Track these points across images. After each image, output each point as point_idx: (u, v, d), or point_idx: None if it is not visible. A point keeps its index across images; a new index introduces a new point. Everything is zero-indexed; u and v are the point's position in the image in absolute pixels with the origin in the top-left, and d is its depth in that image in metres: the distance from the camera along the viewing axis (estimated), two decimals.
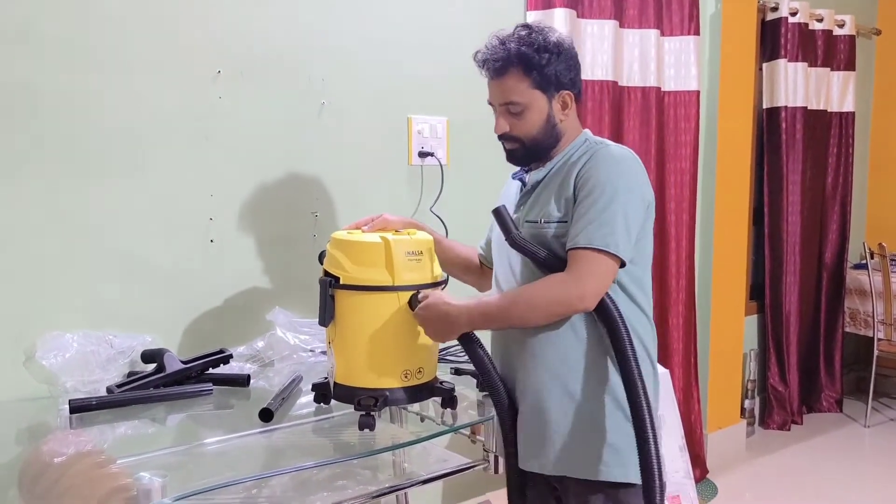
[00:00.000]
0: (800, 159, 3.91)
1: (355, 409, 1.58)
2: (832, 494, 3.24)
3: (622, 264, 1.48)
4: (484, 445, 1.90)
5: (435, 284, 1.60)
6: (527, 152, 1.60)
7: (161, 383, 1.81)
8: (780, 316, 3.93)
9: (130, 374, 1.88)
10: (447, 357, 2.13)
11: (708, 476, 3.31)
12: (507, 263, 1.63)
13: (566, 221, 1.51)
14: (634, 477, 1.49)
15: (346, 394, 1.62)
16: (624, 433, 1.50)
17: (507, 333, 1.62)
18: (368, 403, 1.55)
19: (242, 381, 1.88)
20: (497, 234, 1.60)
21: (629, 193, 1.49)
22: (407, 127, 2.40)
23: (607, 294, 1.48)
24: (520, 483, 1.70)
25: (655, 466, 1.43)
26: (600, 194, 1.47)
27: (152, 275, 1.97)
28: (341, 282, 1.57)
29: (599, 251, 1.45)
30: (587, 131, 1.64)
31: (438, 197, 2.43)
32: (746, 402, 3.78)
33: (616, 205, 1.47)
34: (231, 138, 2.07)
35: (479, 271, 1.91)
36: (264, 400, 1.77)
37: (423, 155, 2.42)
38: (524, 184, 1.65)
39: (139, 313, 1.95)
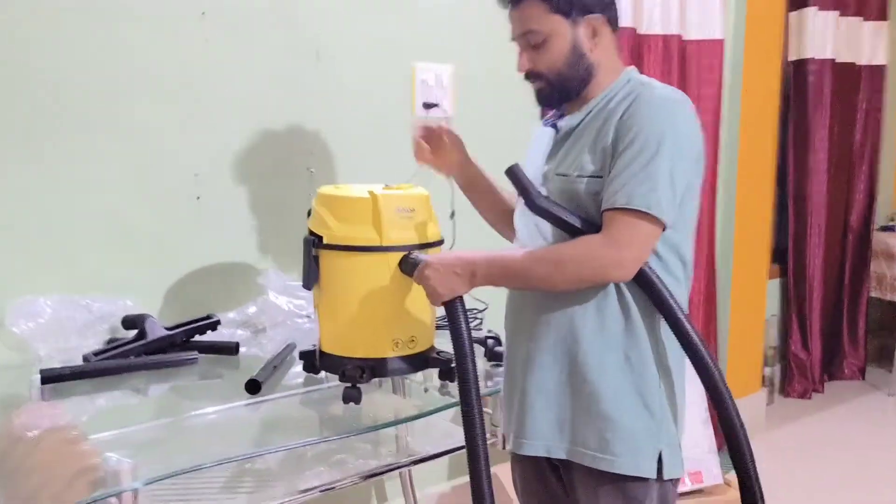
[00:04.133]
0: (827, 115, 3.71)
1: (340, 380, 1.44)
2: (854, 464, 3.11)
3: (664, 227, 1.31)
4: (492, 419, 1.76)
5: (429, 245, 1.45)
6: (554, 91, 1.41)
7: (142, 351, 1.68)
8: (803, 280, 3.76)
9: (111, 340, 1.75)
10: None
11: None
12: (535, 226, 1.44)
13: (601, 177, 1.33)
14: (648, 470, 1.34)
15: (332, 363, 1.48)
16: (641, 420, 1.35)
17: (522, 296, 1.45)
18: (354, 374, 1.42)
19: (231, 349, 1.74)
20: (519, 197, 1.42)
21: (677, 145, 1.30)
22: (410, 76, 2.23)
23: (646, 262, 1.32)
24: (521, 470, 1.55)
25: (750, 464, 1.31)
26: (643, 146, 1.29)
27: (134, 235, 1.83)
28: (325, 241, 1.43)
29: (640, 213, 1.27)
30: (632, 69, 1.44)
31: None
32: (766, 370, 3.63)
33: (661, 158, 1.28)
34: (218, 87, 1.91)
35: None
36: (254, 369, 1.64)
37: (427, 106, 2.25)
38: (557, 130, 1.46)
39: (119, 276, 1.81)
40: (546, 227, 1.40)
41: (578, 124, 1.41)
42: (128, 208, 1.81)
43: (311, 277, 1.47)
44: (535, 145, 1.54)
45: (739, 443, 1.36)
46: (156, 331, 1.71)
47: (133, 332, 1.74)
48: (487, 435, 1.76)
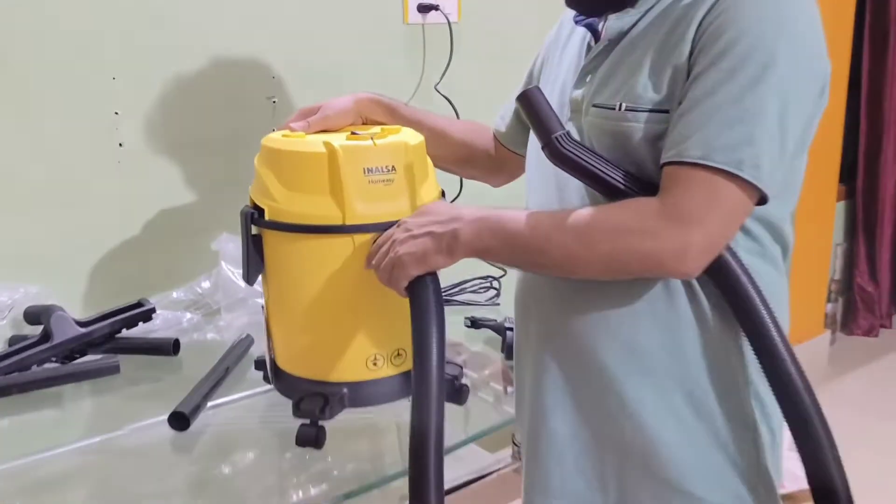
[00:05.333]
0: None
1: (294, 413, 1.02)
2: None
3: (761, 199, 0.83)
4: (514, 437, 1.35)
5: None
6: None
7: (48, 357, 1.27)
8: (874, 202, 3.25)
9: (13, 339, 1.34)
10: (455, 299, 1.55)
11: None
12: (554, 187, 0.97)
13: (668, 111, 0.85)
14: None
15: (288, 386, 1.06)
16: (728, 488, 0.91)
17: (535, 284, 1.00)
18: (311, 408, 1.00)
19: (167, 348, 1.32)
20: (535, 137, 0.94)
21: (796, 65, 0.81)
22: None
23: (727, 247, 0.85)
24: None
25: None
26: (740, 62, 0.80)
27: (36, 196, 1.38)
28: (267, 216, 0.98)
29: (726, 174, 0.80)
30: None
31: (447, 69, 1.76)
32: (828, 307, 3.17)
33: (768, 87, 0.79)
34: None
35: (490, 158, 1.25)
36: (200, 371, 1.24)
37: (424, 9, 1.74)
38: (596, 36, 0.97)
39: (20, 253, 1.37)
40: (572, 187, 0.94)
41: (632, 27, 0.91)
42: (25, 161, 1.36)
43: (251, 267, 1.03)
44: (556, 53, 1.05)
45: None
46: (65, 328, 1.29)
47: (41, 328, 1.33)
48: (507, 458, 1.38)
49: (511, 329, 1.27)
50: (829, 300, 3.18)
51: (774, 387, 0.85)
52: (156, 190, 1.49)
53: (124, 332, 1.35)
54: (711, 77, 0.81)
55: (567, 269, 0.87)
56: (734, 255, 0.85)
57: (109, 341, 1.33)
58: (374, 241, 0.94)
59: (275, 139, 1.03)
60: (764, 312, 0.85)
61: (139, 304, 1.38)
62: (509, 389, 1.29)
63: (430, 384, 0.85)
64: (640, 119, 0.87)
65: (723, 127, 0.80)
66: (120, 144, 1.43)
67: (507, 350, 1.28)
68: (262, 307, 1.08)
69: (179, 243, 1.53)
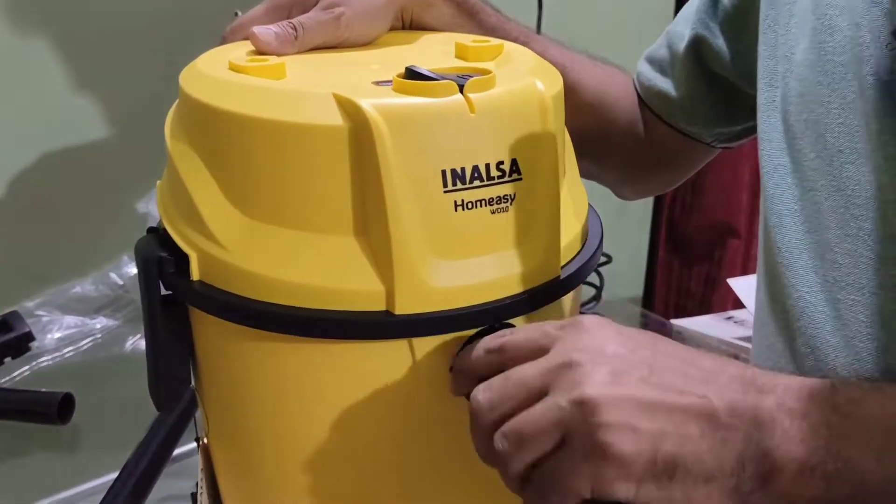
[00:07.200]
0: None
1: None
2: None
3: None
4: None
5: (550, 293, 0.39)
6: None
7: None
8: None
9: None
10: None
11: None
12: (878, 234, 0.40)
13: None
14: None
15: None
16: None
17: None
18: None
19: (49, 412, 0.76)
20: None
21: None
22: None
23: None
24: None
25: None
26: None
27: None
28: (196, 275, 0.38)
29: None
30: None
31: None
32: None
33: None
34: None
35: (632, 142, 0.63)
36: (123, 438, 0.70)
37: None
38: None
39: None
40: None
41: None
42: None
43: (160, 372, 0.44)
44: None
45: None
46: None
47: None
48: None
49: None
50: None
51: None
52: (34, 117, 0.88)
53: None
54: None
55: None
56: None
57: None
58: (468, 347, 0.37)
59: (210, 77, 0.41)
60: None
61: (5, 325, 0.80)
62: None
63: None
64: None
65: None
66: None
67: None
68: (198, 439, 0.51)
69: (83, 205, 0.94)
